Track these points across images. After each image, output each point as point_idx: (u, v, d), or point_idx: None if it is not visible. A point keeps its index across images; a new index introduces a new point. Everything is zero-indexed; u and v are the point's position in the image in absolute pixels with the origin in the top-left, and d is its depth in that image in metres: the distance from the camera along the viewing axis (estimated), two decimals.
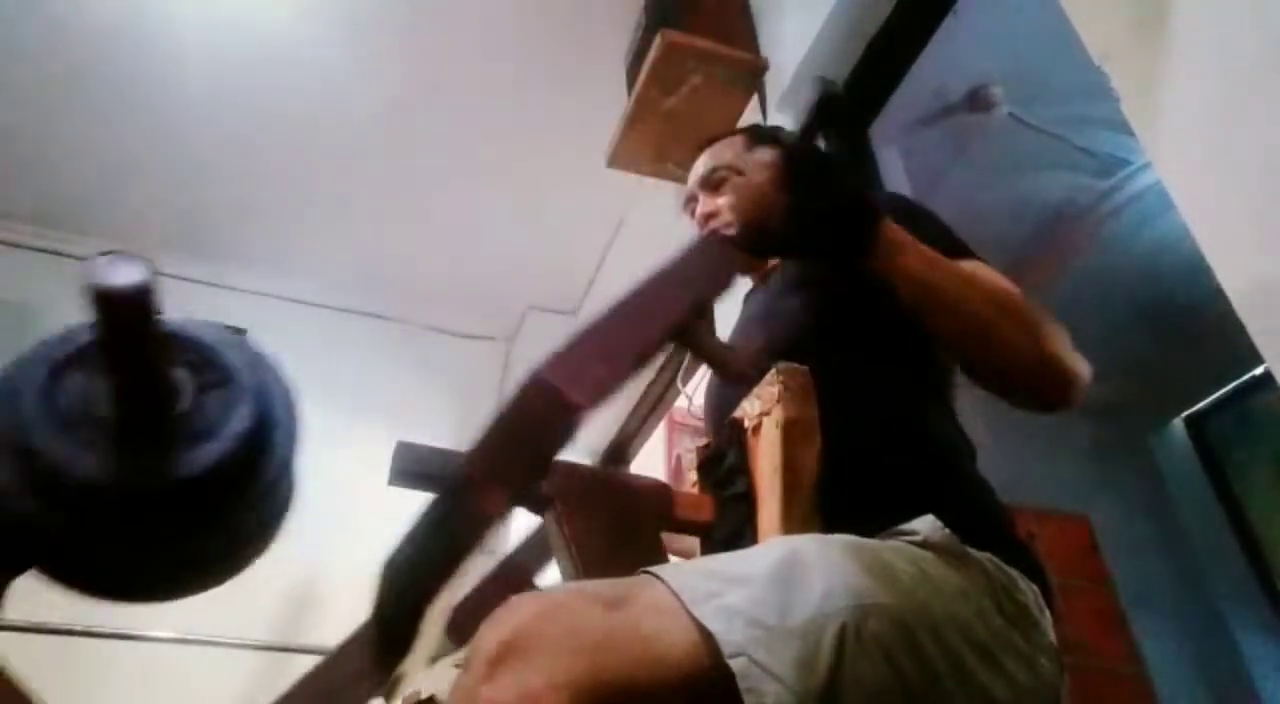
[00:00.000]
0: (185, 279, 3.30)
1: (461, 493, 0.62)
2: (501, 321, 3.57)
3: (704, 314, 0.75)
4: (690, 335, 0.73)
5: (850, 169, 0.82)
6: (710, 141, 1.19)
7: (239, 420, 0.58)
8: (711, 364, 0.77)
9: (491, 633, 0.55)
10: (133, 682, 2.33)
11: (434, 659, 0.72)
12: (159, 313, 0.53)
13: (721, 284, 0.76)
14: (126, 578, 0.59)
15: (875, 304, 0.90)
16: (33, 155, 2.88)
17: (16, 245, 3.12)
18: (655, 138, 2.16)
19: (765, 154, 0.81)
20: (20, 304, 3.02)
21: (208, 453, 0.56)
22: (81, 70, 2.58)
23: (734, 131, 1.24)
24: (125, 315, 0.51)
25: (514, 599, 0.59)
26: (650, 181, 2.46)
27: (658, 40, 1.92)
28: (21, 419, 0.54)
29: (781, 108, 1.90)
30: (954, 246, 0.91)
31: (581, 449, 3.05)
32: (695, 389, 2.00)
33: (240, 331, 0.71)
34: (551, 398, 0.61)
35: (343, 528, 2.31)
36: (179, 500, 0.56)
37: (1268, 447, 2.97)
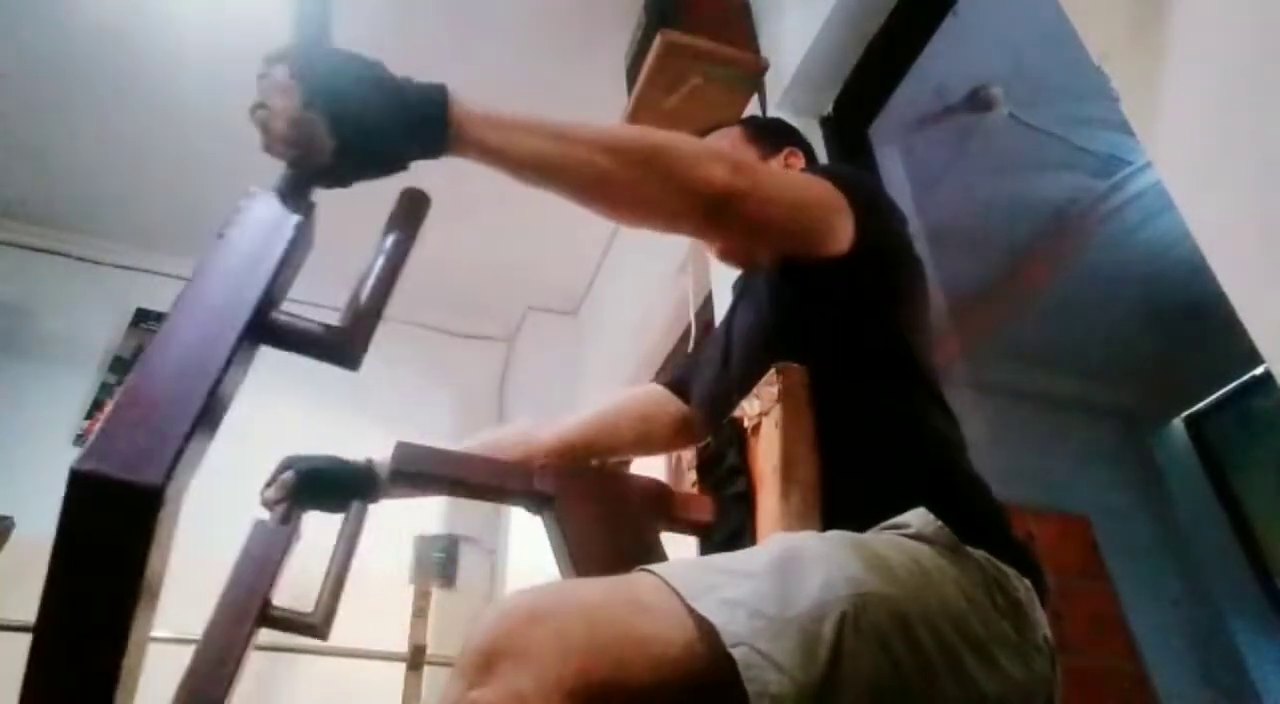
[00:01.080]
0: (185, 279, 3.30)
1: (68, 648, 0.47)
2: (501, 321, 3.57)
3: (284, 291, 0.61)
4: (272, 329, 0.58)
5: (367, 64, 0.73)
6: (706, 132, 1.20)
7: None
8: (312, 354, 0.62)
9: (480, 636, 0.54)
10: None
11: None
12: None
13: (286, 249, 0.61)
14: None
15: (863, 299, 0.90)
16: (33, 155, 2.88)
17: (16, 245, 3.12)
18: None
19: (277, 71, 0.69)
20: (20, 304, 3.02)
21: None
22: (82, 70, 2.58)
23: (732, 123, 1.25)
24: None
25: (505, 599, 0.59)
26: None
27: (658, 40, 1.92)
28: None
29: (781, 108, 1.90)
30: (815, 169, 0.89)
31: None
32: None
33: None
34: (110, 489, 0.44)
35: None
36: None
37: (1268, 447, 2.98)
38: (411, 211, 0.70)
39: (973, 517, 0.77)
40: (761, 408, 0.84)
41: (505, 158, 0.75)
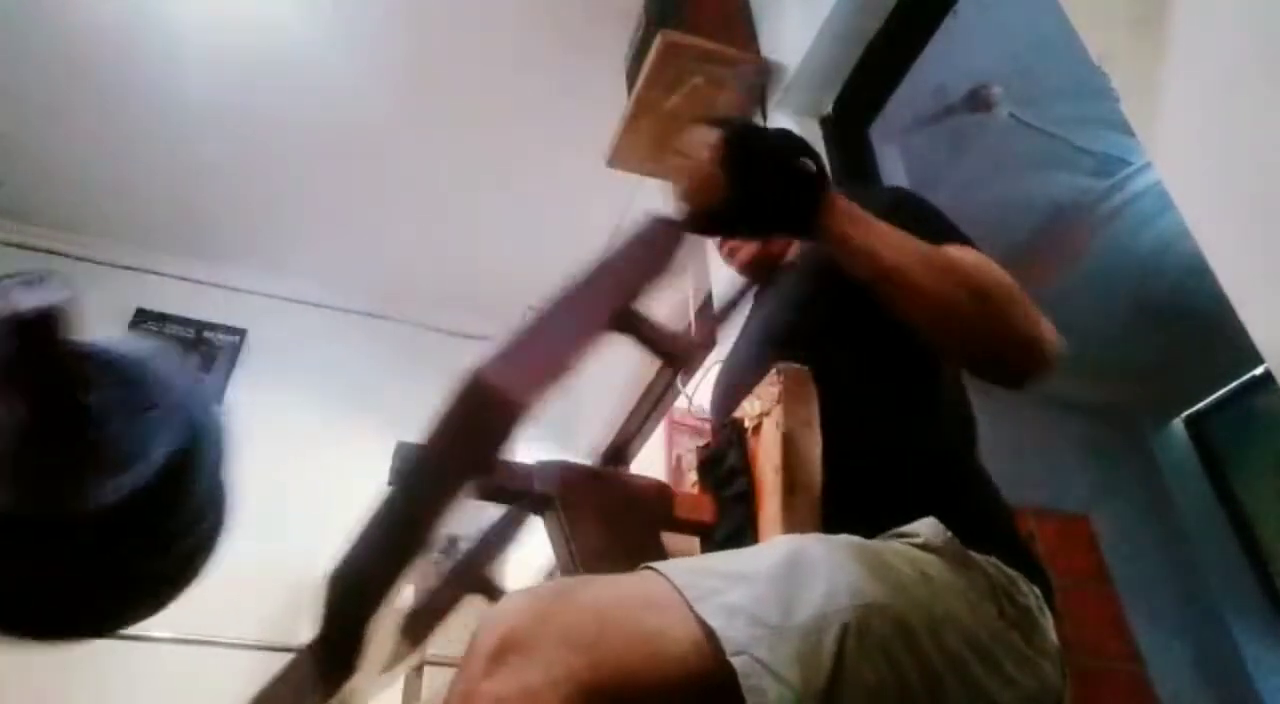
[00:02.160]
0: (185, 279, 3.30)
1: (408, 493, 0.61)
2: (501, 322, 3.57)
3: (642, 298, 0.75)
4: (631, 322, 0.72)
5: (793, 142, 0.83)
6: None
7: (162, 445, 0.55)
8: (653, 350, 0.76)
9: (491, 629, 0.55)
10: (133, 682, 2.33)
11: (388, 667, 0.71)
12: (70, 335, 0.50)
13: (660, 268, 0.76)
14: (45, 616, 0.55)
15: (875, 304, 0.89)
16: (33, 155, 2.88)
17: (17, 245, 3.12)
18: (655, 138, 2.16)
19: (705, 133, 0.80)
20: None
21: (127, 480, 0.53)
22: (81, 71, 2.58)
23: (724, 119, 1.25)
24: (32, 338, 0.49)
25: (513, 594, 0.59)
26: (650, 181, 2.46)
27: (658, 40, 1.92)
28: None
29: (781, 107, 1.90)
30: (941, 232, 0.89)
31: (582, 449, 3.06)
32: (695, 389, 1.99)
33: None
34: (490, 397, 0.60)
35: (343, 528, 2.30)
36: (96, 530, 0.52)
37: (1268, 447, 2.98)
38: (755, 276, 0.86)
39: (981, 522, 0.77)
40: (762, 408, 0.84)
41: (860, 256, 0.81)
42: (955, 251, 0.85)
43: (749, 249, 1.12)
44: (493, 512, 0.98)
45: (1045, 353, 0.82)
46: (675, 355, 0.75)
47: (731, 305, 0.95)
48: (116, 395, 0.56)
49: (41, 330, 0.49)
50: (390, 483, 0.90)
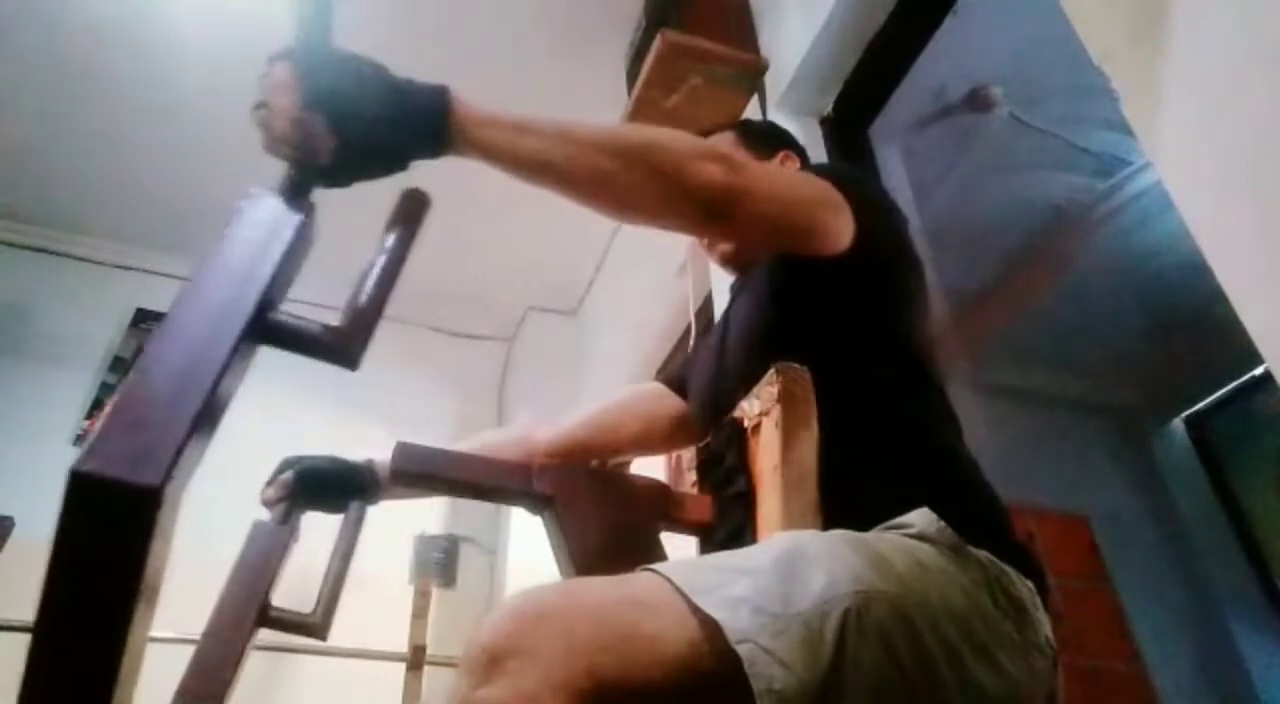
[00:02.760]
0: (185, 279, 3.30)
1: (65, 648, 0.47)
2: (501, 321, 3.57)
3: (284, 291, 0.61)
4: (271, 329, 0.58)
5: (370, 65, 0.73)
6: (705, 135, 1.19)
7: None
8: (311, 354, 0.61)
9: (488, 635, 0.55)
10: None
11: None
12: None
13: (292, 243, 0.61)
14: None
15: (862, 297, 0.90)
16: (33, 155, 2.88)
17: (16, 245, 3.12)
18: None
19: (279, 70, 0.68)
20: (20, 304, 3.02)
21: None
22: (81, 70, 2.58)
23: (724, 126, 1.24)
24: None
25: (510, 598, 0.59)
26: None
27: (658, 40, 1.92)
28: None
29: (781, 107, 1.90)
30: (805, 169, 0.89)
31: None
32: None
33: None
34: (112, 490, 0.44)
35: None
36: None
37: (1268, 446, 2.98)
38: (411, 212, 0.69)
39: (975, 517, 0.77)
40: (761, 407, 0.84)
41: (506, 157, 0.76)
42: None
43: (730, 243, 1.11)
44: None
45: (707, 197, 0.79)
46: (335, 350, 0.60)
47: (389, 274, 0.68)
48: None
49: None
50: (392, 480, 0.89)
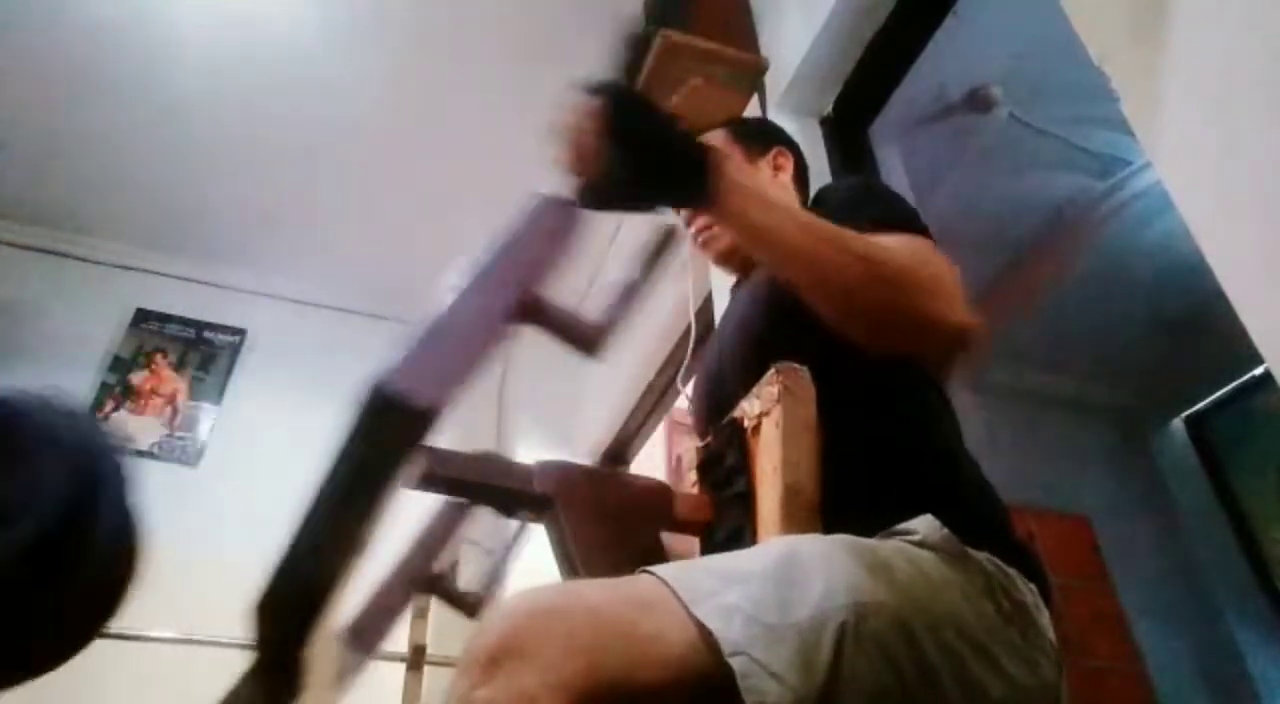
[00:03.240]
0: (185, 279, 3.30)
1: (320, 522, 0.57)
2: None
3: (542, 283, 0.72)
4: (535, 311, 0.70)
5: (662, 115, 0.81)
6: (697, 135, 1.19)
7: (48, 495, 0.52)
8: (562, 338, 0.73)
9: (486, 635, 0.54)
10: (133, 682, 2.32)
11: (340, 680, 0.68)
12: None
13: (557, 250, 0.73)
14: None
15: None
16: (32, 155, 2.88)
17: (16, 245, 3.12)
18: None
19: (588, 103, 0.77)
20: (20, 304, 3.02)
21: (11, 536, 0.50)
22: (82, 70, 2.58)
23: (717, 126, 1.23)
24: None
25: (508, 599, 0.59)
26: None
27: (658, 40, 1.92)
28: None
29: (781, 107, 1.90)
30: (886, 218, 0.88)
31: (582, 449, 3.06)
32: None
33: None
34: (398, 406, 0.57)
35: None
36: None
37: (1268, 446, 2.98)
38: (663, 246, 0.81)
39: (978, 520, 0.77)
40: (762, 408, 0.84)
41: (751, 230, 0.80)
42: (881, 238, 0.83)
43: (725, 239, 1.10)
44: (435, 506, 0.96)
45: (946, 337, 0.81)
46: (583, 341, 0.72)
47: (634, 289, 0.86)
48: None
49: None
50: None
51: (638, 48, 0.77)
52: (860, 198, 0.96)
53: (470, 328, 0.64)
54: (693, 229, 1.11)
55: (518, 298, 0.67)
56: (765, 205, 0.80)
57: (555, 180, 0.78)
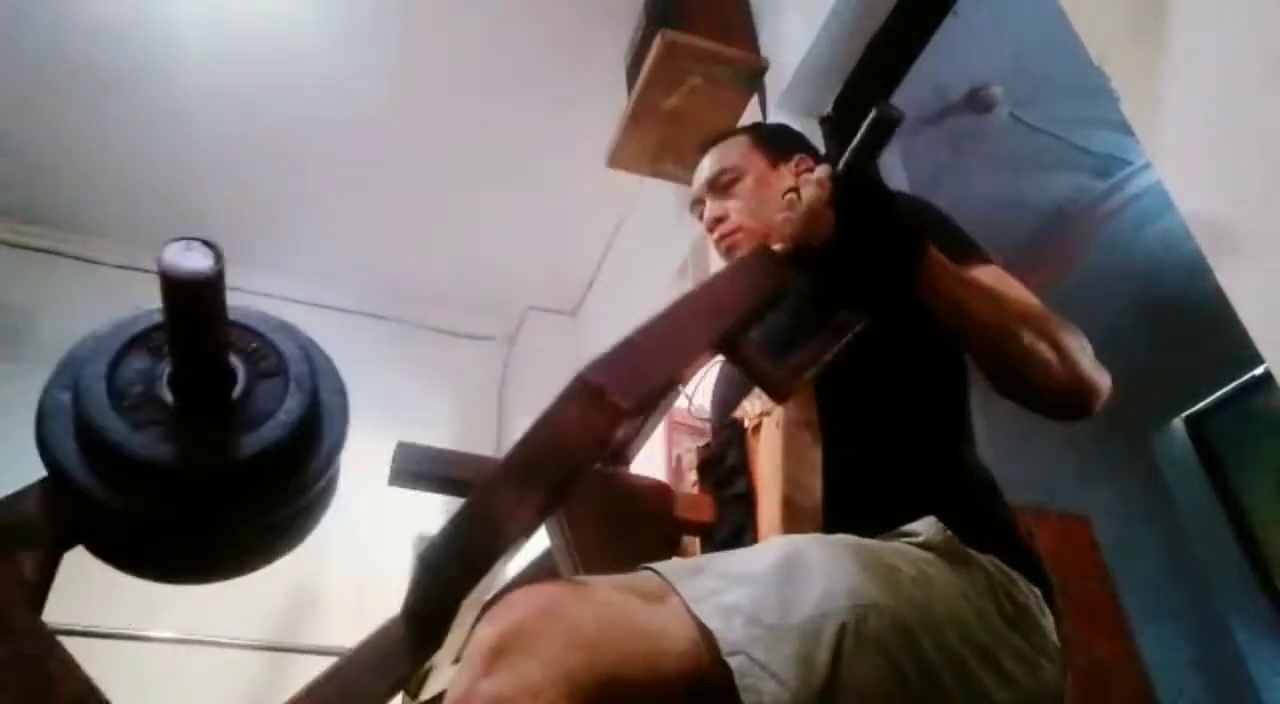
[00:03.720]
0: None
1: (496, 491, 0.61)
2: (501, 322, 3.57)
3: (750, 326, 0.75)
4: (735, 347, 0.73)
5: (896, 195, 0.83)
6: (713, 141, 1.17)
7: (291, 408, 0.60)
8: (754, 378, 0.76)
9: (490, 628, 0.55)
10: (133, 682, 2.32)
11: (461, 655, 0.71)
12: (223, 301, 0.55)
13: (768, 296, 0.76)
14: (172, 558, 0.60)
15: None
16: (33, 155, 2.88)
17: (16, 245, 3.12)
18: (655, 138, 2.16)
19: (819, 171, 0.80)
20: (20, 304, 3.02)
21: (261, 438, 0.58)
22: (82, 70, 2.58)
23: (737, 130, 1.23)
24: (192, 300, 0.54)
25: (512, 594, 0.59)
26: (650, 181, 2.46)
27: (658, 40, 1.92)
28: (85, 396, 0.58)
29: (781, 107, 1.90)
30: (964, 249, 0.91)
31: None
32: (695, 389, 1.99)
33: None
34: (594, 398, 0.61)
35: (342, 528, 2.31)
36: (232, 484, 0.57)
37: (1268, 446, 2.98)
38: (850, 323, 0.80)
39: (981, 522, 0.77)
40: (763, 408, 0.84)
41: (955, 312, 0.81)
42: (1006, 285, 0.88)
43: (748, 245, 1.10)
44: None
45: (1099, 398, 0.84)
46: (771, 384, 0.74)
47: (830, 344, 0.83)
48: (251, 359, 0.62)
49: (202, 294, 0.54)
50: (392, 480, 0.90)
51: (883, 129, 0.77)
52: (949, 230, 0.98)
53: (674, 342, 0.68)
54: (715, 234, 1.10)
55: (720, 329, 0.71)
56: (964, 283, 0.82)
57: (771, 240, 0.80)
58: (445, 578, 0.59)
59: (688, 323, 0.71)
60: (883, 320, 0.87)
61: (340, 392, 0.67)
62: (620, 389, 0.62)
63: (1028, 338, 0.80)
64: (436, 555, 0.60)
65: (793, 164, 1.16)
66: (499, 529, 0.61)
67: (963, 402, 0.92)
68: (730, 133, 1.20)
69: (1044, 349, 0.80)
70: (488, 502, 0.62)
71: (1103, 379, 0.83)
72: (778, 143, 1.18)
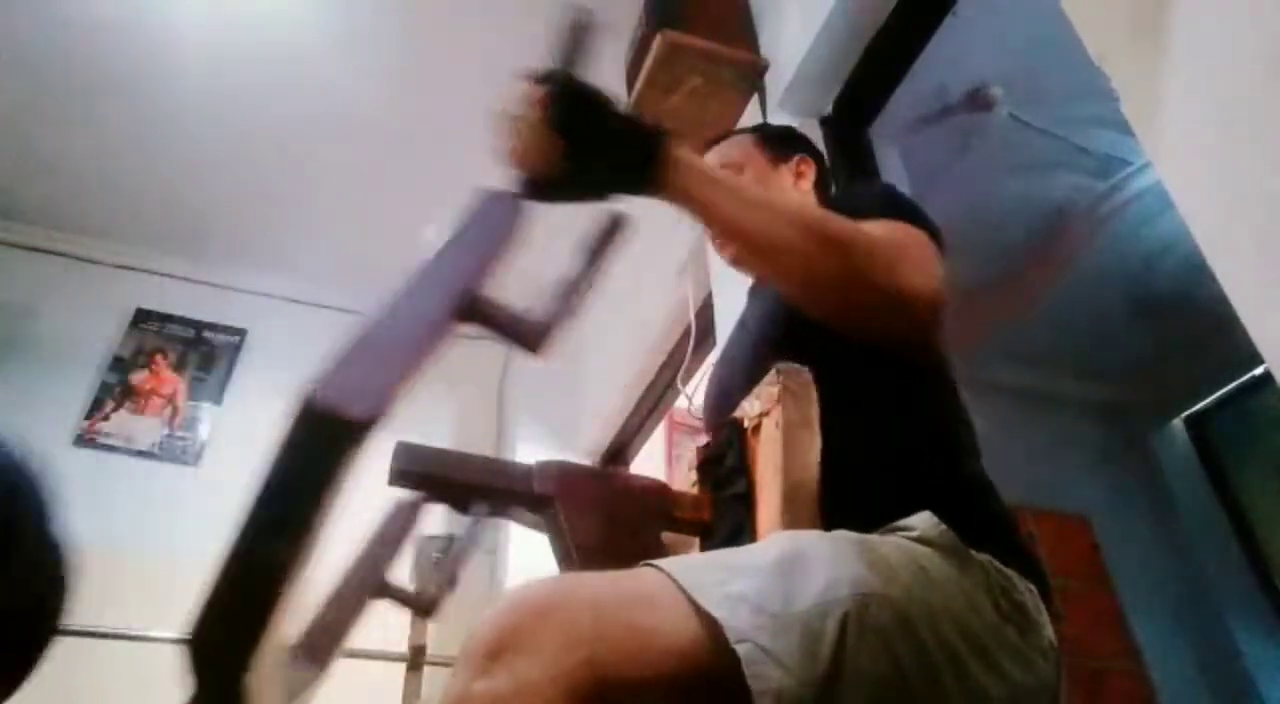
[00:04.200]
0: (185, 279, 3.30)
1: (248, 551, 0.52)
2: None
3: (487, 280, 0.69)
4: (477, 309, 0.67)
5: (609, 101, 0.78)
6: (717, 139, 1.20)
7: None
8: (506, 336, 0.71)
9: (486, 627, 0.55)
10: (133, 682, 2.32)
11: (294, 697, 0.67)
12: None
13: (502, 246, 0.71)
14: None
15: None
16: (33, 155, 2.88)
17: (16, 245, 3.12)
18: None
19: (536, 89, 0.75)
20: (20, 304, 3.02)
21: None
22: (82, 70, 2.58)
23: (742, 130, 1.25)
24: None
25: (510, 592, 0.59)
26: None
27: (658, 40, 1.92)
28: None
29: (781, 108, 1.90)
30: (868, 205, 0.89)
31: (582, 449, 3.06)
32: (695, 389, 1.99)
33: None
34: (326, 419, 0.52)
35: (342, 528, 2.31)
36: None
37: (1268, 446, 2.98)
38: (610, 233, 0.78)
39: (978, 520, 0.77)
40: (762, 407, 0.84)
41: (709, 213, 0.79)
42: (866, 223, 0.83)
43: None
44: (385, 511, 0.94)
45: (908, 308, 0.80)
46: (527, 340, 0.70)
47: (580, 283, 0.83)
48: None
49: None
50: (392, 481, 0.90)
51: (580, 34, 0.75)
52: (868, 193, 0.97)
53: (408, 332, 0.61)
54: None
55: (459, 297, 0.65)
56: (720, 188, 0.79)
57: (501, 174, 0.76)
58: (226, 653, 0.52)
59: (425, 297, 0.64)
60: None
61: (33, 483, 0.59)
62: (357, 400, 0.53)
63: (800, 242, 0.77)
64: (208, 632, 0.52)
65: (793, 163, 1.17)
66: (268, 580, 0.52)
67: (955, 401, 0.92)
68: (736, 132, 1.22)
69: (809, 246, 0.77)
70: (248, 556, 0.52)
71: (916, 281, 0.80)
72: (780, 143, 1.21)
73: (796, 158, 1.18)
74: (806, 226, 0.79)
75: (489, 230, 0.72)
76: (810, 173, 1.18)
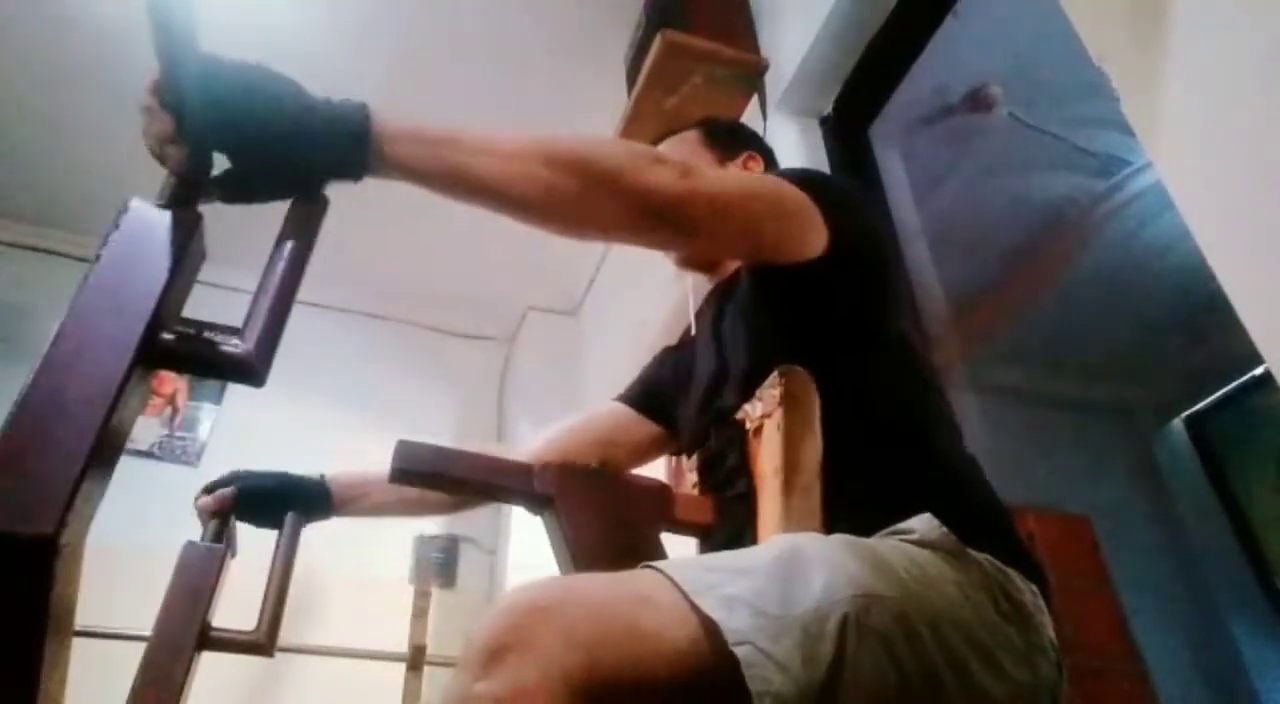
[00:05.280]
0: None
1: None
2: (501, 322, 3.57)
3: (172, 313, 0.57)
4: (164, 349, 0.55)
5: (263, 82, 0.66)
6: (663, 136, 1.19)
7: None
8: (211, 374, 0.60)
9: (487, 629, 0.55)
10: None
11: None
12: None
13: (179, 257, 0.57)
14: None
15: (852, 299, 0.89)
16: (33, 155, 2.88)
17: (16, 245, 3.12)
18: (655, 138, 2.15)
19: (151, 101, 0.62)
20: (20, 304, 3.02)
21: None
22: (81, 69, 2.58)
23: (690, 126, 1.22)
24: None
25: (510, 593, 0.59)
26: None
27: (658, 40, 1.92)
28: None
29: (781, 108, 1.90)
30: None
31: None
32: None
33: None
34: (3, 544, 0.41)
35: (342, 527, 2.31)
36: None
37: (1268, 446, 2.98)
38: (306, 220, 0.65)
39: (977, 520, 0.77)
40: (764, 410, 0.84)
41: (431, 176, 0.72)
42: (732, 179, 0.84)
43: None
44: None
45: (658, 203, 0.74)
46: (240, 370, 0.56)
47: (284, 291, 0.68)
48: None
49: None
50: (392, 479, 0.90)
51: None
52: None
53: (68, 393, 0.46)
54: None
55: (138, 337, 0.51)
56: (430, 142, 0.72)
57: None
58: None
59: (85, 357, 0.48)
60: (857, 322, 0.87)
61: None
62: (27, 515, 0.41)
63: (516, 168, 0.71)
64: None
65: (740, 160, 1.16)
66: None
67: (943, 399, 0.92)
68: (682, 127, 1.21)
69: (540, 171, 0.71)
70: None
71: (660, 177, 0.73)
72: (727, 139, 1.19)
73: (744, 154, 1.17)
74: (544, 160, 0.72)
75: (150, 255, 0.57)
76: (757, 168, 1.17)
